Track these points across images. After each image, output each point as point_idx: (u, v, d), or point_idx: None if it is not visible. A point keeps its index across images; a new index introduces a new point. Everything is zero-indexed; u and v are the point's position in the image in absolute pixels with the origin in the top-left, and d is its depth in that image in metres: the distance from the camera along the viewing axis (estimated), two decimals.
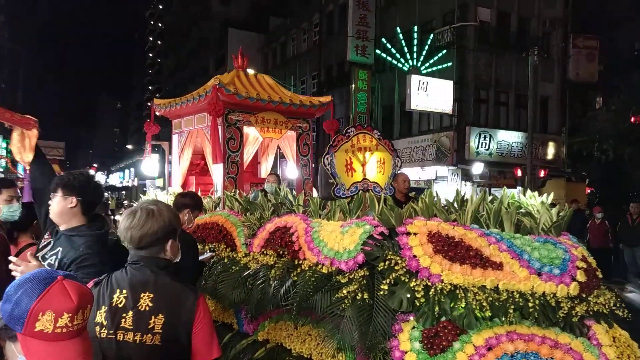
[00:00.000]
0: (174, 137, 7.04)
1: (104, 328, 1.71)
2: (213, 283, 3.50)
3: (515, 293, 2.45)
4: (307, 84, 27.70)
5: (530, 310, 2.40)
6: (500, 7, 19.17)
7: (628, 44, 20.22)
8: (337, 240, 2.89)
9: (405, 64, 19.15)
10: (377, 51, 20.59)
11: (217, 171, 6.04)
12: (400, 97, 20.11)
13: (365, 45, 20.89)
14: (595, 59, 20.08)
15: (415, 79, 17.65)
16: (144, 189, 18.12)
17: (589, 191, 18.73)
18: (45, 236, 2.48)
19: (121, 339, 1.70)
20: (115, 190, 47.63)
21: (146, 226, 1.77)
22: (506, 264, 2.52)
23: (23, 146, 2.66)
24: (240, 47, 8.36)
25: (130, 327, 1.71)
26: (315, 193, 7.09)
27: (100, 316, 1.72)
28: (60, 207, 2.28)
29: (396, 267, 2.59)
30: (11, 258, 2.10)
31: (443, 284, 2.47)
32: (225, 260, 3.63)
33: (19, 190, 3.13)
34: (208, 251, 3.77)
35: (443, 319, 2.42)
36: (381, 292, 2.56)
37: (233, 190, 5.19)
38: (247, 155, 6.87)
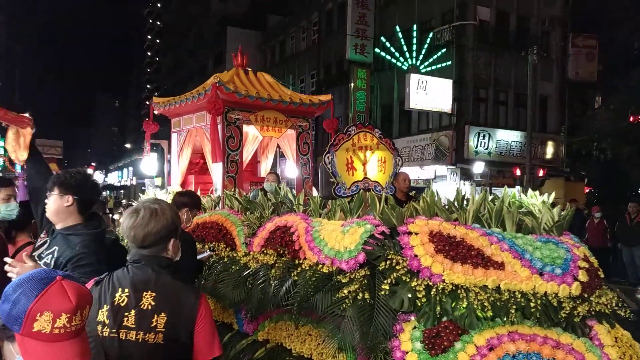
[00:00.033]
0: (173, 136, 7.02)
1: (106, 327, 1.71)
2: (213, 283, 3.50)
3: (517, 293, 2.45)
4: (305, 83, 27.65)
5: (532, 310, 2.39)
6: (499, 6, 19.16)
7: (627, 43, 20.24)
8: (338, 239, 2.88)
9: (405, 63, 19.13)
10: (376, 50, 20.55)
11: (216, 170, 6.02)
12: (399, 96, 20.10)
13: (365, 43, 20.87)
14: (595, 59, 20.09)
15: (414, 77, 17.65)
16: (143, 188, 18.11)
17: (587, 190, 18.75)
18: (42, 235, 2.46)
19: (123, 338, 1.70)
20: (114, 189, 47.64)
21: (150, 225, 1.77)
22: (508, 264, 2.51)
23: (18, 144, 2.64)
24: (239, 45, 8.34)
25: (133, 326, 1.71)
26: (315, 192, 7.08)
27: (102, 315, 1.72)
28: (56, 205, 2.26)
29: (397, 267, 2.58)
30: (7, 259, 2.07)
31: (444, 284, 2.46)
32: (225, 260, 3.62)
33: (16, 189, 3.11)
34: (207, 250, 3.75)
35: (444, 319, 2.41)
36: (382, 292, 2.55)
37: (232, 190, 5.18)
38: (247, 154, 6.85)
